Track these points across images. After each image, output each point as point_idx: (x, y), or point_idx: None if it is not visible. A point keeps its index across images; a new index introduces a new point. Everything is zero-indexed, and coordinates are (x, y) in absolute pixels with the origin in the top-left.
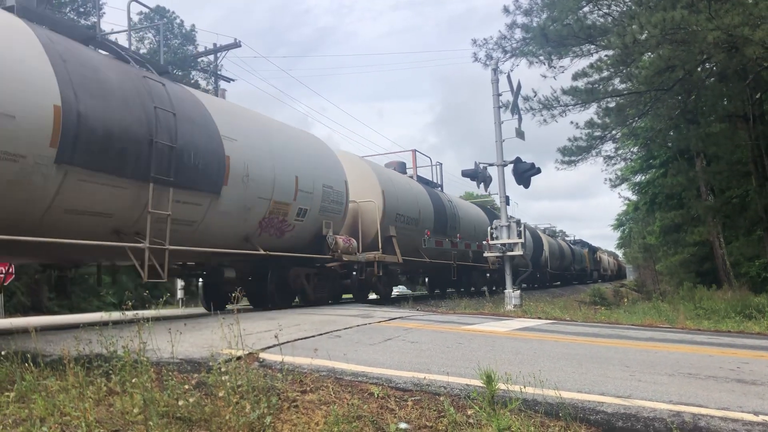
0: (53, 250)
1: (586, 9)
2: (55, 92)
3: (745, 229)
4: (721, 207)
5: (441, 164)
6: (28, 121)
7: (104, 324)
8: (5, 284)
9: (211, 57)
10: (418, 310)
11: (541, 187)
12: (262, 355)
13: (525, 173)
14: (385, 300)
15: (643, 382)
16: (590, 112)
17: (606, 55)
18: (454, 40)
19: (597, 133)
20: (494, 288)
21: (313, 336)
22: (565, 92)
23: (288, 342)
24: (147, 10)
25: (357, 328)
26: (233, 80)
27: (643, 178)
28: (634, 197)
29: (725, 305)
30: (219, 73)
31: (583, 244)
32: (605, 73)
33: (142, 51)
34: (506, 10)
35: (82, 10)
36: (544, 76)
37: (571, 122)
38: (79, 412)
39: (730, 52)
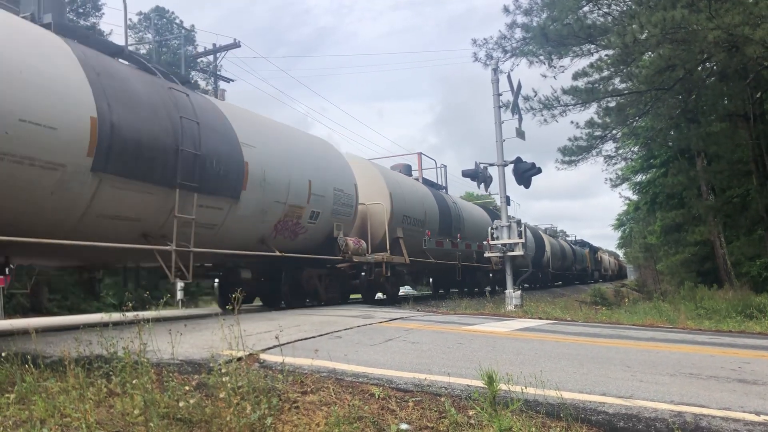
0: (87, 252)
1: (586, 8)
2: (91, 104)
3: (746, 229)
4: (721, 206)
5: (445, 166)
6: (68, 132)
7: (104, 325)
8: (4, 286)
9: (211, 57)
10: (418, 310)
11: (542, 187)
12: (263, 356)
13: (525, 173)
14: (393, 299)
15: (645, 383)
16: (590, 112)
17: (606, 55)
18: (454, 40)
19: (597, 133)
20: (497, 288)
21: (313, 337)
22: (565, 92)
23: (288, 343)
24: (147, 11)
25: (357, 329)
26: (233, 80)
27: (644, 177)
28: (634, 197)
29: (726, 305)
30: (218, 73)
31: (583, 244)
32: (605, 73)
33: (141, 52)
34: (506, 9)
35: (81, 11)
36: (545, 76)
37: (572, 122)
38: (80, 414)
39: (730, 52)
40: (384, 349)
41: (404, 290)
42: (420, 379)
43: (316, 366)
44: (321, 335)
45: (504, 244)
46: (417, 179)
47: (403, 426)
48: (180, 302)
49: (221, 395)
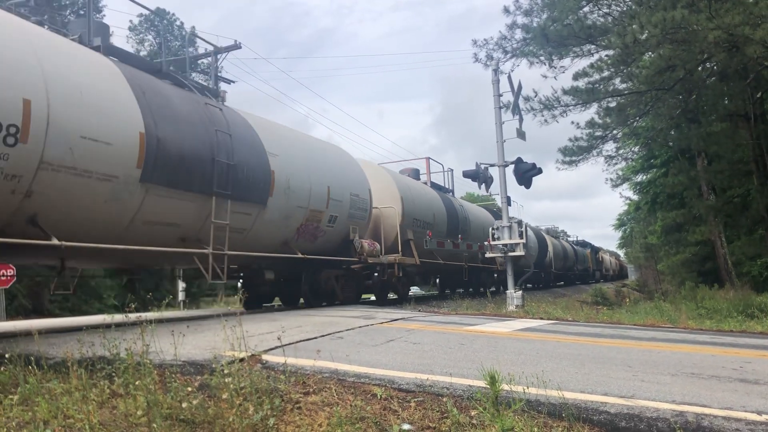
0: (132, 256)
1: (586, 9)
2: (139, 121)
3: (747, 229)
4: (722, 206)
5: (452, 170)
6: (121, 147)
7: (107, 326)
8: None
9: (211, 58)
10: (420, 311)
11: (542, 187)
12: (265, 357)
13: (526, 174)
14: (403, 299)
15: (646, 382)
16: (591, 112)
17: (606, 55)
18: (454, 41)
19: (598, 133)
20: (502, 288)
21: (315, 337)
22: (565, 92)
23: (291, 344)
24: (147, 12)
25: (359, 330)
26: (234, 82)
27: (644, 177)
28: (635, 197)
29: (727, 305)
30: (219, 74)
31: (585, 244)
32: (606, 73)
33: (142, 53)
34: (506, 10)
35: (82, 12)
36: (545, 77)
37: (572, 122)
38: (83, 415)
39: (730, 52)
40: (386, 349)
41: (413, 290)
42: (422, 379)
43: (318, 367)
44: (323, 336)
45: (505, 245)
46: (425, 183)
47: (406, 426)
48: (182, 303)
49: (224, 396)
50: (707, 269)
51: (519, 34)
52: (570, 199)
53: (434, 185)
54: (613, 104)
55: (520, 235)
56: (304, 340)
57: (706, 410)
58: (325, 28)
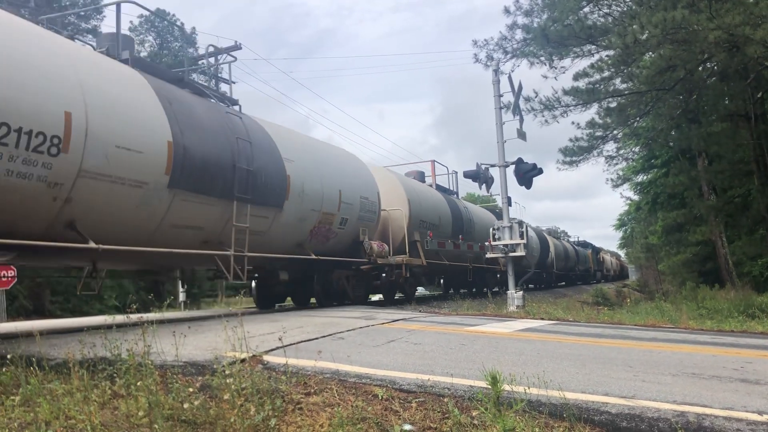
0: (158, 257)
1: (586, 9)
2: (167, 130)
3: (748, 229)
4: (723, 206)
5: (456, 173)
6: (151, 155)
7: (108, 327)
8: (8, 288)
9: (212, 59)
10: (420, 311)
11: (543, 187)
12: (266, 358)
13: (527, 174)
14: (410, 298)
15: (647, 383)
16: (591, 113)
17: (607, 55)
18: (454, 41)
19: (598, 133)
20: (504, 288)
21: (316, 338)
22: (566, 93)
23: (292, 344)
24: (147, 13)
25: (360, 330)
26: (234, 82)
27: (645, 177)
28: (635, 197)
29: (728, 305)
30: (220, 75)
31: (586, 245)
32: (606, 73)
33: (142, 54)
34: (507, 10)
35: (82, 13)
36: (545, 77)
37: (573, 122)
38: (84, 416)
39: (731, 52)
40: (387, 350)
41: (419, 291)
42: (423, 380)
43: (320, 367)
44: (324, 336)
45: (506, 245)
46: (430, 185)
47: (407, 427)
48: (182, 304)
49: (225, 397)
50: (708, 269)
51: (519, 34)
52: (570, 200)
53: (439, 187)
54: (613, 104)
55: (521, 236)
56: (305, 341)
57: (707, 410)
58: (326, 29)
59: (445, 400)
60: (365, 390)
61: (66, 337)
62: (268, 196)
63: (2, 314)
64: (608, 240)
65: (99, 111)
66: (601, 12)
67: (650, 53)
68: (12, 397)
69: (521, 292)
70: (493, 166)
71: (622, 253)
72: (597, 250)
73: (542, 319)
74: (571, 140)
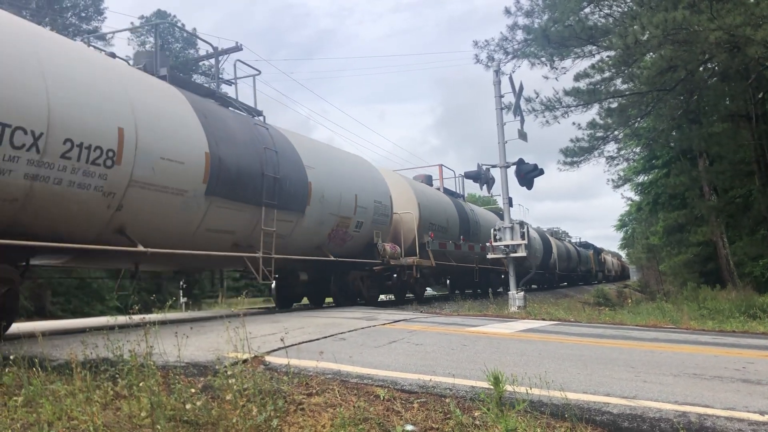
0: (195, 259)
1: (587, 10)
2: (204, 143)
3: (749, 229)
4: (724, 207)
5: (463, 177)
6: (191, 165)
7: (110, 328)
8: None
9: (212, 60)
10: (422, 312)
11: (544, 188)
12: (268, 358)
13: (528, 175)
14: (420, 298)
15: (649, 383)
16: (592, 113)
17: (608, 56)
18: (454, 41)
19: (599, 134)
20: (509, 289)
21: (317, 339)
22: (567, 93)
23: (293, 345)
24: (148, 15)
25: (361, 331)
26: (234, 83)
27: (646, 178)
28: (636, 197)
29: (729, 305)
30: (220, 77)
31: (587, 246)
32: (607, 74)
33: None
34: (507, 11)
35: (83, 15)
36: (546, 78)
37: (574, 123)
38: (87, 416)
39: (731, 52)
40: (388, 350)
41: (426, 291)
42: (424, 380)
43: (321, 368)
44: (325, 337)
45: (507, 246)
46: (438, 189)
47: (409, 427)
48: (183, 305)
49: (227, 397)
50: (709, 270)
51: (520, 35)
52: (571, 200)
53: (446, 191)
54: (614, 105)
55: (522, 236)
56: (306, 342)
57: (709, 411)
58: (326, 30)
59: (447, 400)
60: (367, 390)
61: (68, 338)
62: (292, 201)
63: None
64: (609, 240)
65: (146, 126)
66: (601, 13)
67: (651, 54)
68: (15, 398)
69: (522, 293)
70: (494, 166)
71: (623, 253)
72: (598, 251)
73: (543, 319)
74: (572, 141)
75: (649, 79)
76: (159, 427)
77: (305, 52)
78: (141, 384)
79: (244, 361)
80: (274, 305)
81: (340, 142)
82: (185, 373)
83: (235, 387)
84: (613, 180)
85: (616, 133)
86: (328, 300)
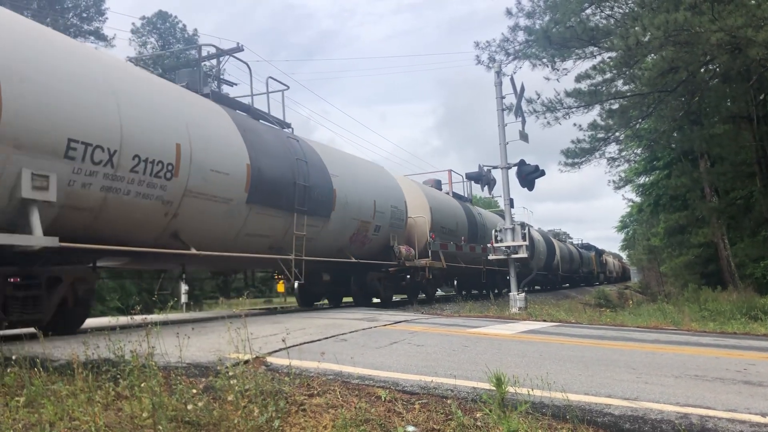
0: (235, 261)
1: (588, 11)
2: (245, 155)
3: (750, 230)
4: (725, 208)
5: (471, 182)
6: (235, 176)
7: (112, 329)
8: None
9: (214, 61)
10: (422, 313)
11: (545, 189)
12: (269, 359)
13: (529, 176)
14: (431, 299)
15: (650, 384)
16: (593, 114)
17: (609, 57)
18: (455, 42)
19: (600, 135)
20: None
21: (319, 340)
22: (568, 94)
23: (295, 346)
24: (150, 15)
25: (363, 332)
26: (236, 84)
27: (647, 179)
28: (638, 199)
29: (730, 307)
30: (222, 77)
31: (589, 247)
32: (608, 75)
33: (144, 55)
34: (509, 12)
35: (85, 15)
36: (548, 79)
37: (575, 124)
38: (89, 417)
39: (733, 54)
40: (389, 351)
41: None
42: (426, 381)
43: (323, 369)
44: (326, 338)
45: (508, 247)
46: (447, 193)
47: (410, 428)
48: (184, 306)
49: (229, 398)
50: (710, 271)
51: (521, 36)
52: (572, 201)
53: (455, 195)
54: (615, 106)
55: (523, 237)
56: (308, 342)
57: (710, 412)
58: (327, 31)
59: (448, 401)
60: (368, 391)
61: (69, 339)
62: (320, 207)
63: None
64: (610, 242)
65: (199, 141)
66: (603, 14)
67: (652, 55)
68: (16, 398)
69: (523, 294)
70: (495, 167)
71: (624, 254)
72: (600, 253)
73: (545, 321)
74: (573, 142)
75: (650, 80)
76: (160, 427)
77: (306, 53)
78: (142, 384)
79: (246, 361)
80: (274, 306)
81: (340, 143)
82: (187, 374)
83: (236, 388)
84: (614, 181)
85: (617, 134)
86: (345, 300)
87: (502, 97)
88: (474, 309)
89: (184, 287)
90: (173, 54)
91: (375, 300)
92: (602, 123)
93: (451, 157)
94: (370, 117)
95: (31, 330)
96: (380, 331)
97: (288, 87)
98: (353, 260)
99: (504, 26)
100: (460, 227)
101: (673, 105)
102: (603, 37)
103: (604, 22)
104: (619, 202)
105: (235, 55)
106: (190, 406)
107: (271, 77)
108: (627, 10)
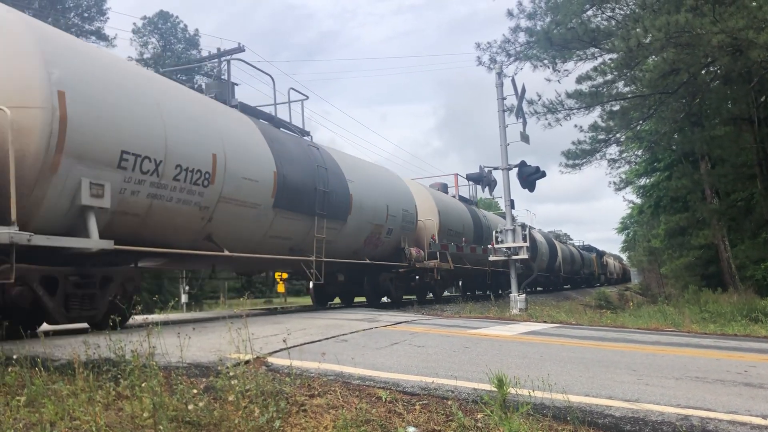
0: (261, 262)
1: (589, 12)
2: (272, 163)
3: (751, 232)
4: (726, 210)
5: (476, 186)
6: (263, 182)
7: (112, 328)
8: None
9: (215, 61)
10: (423, 314)
11: (546, 190)
12: (270, 360)
13: (530, 177)
14: (439, 299)
15: (651, 386)
16: (594, 116)
17: (610, 59)
18: (456, 43)
19: (601, 137)
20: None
21: (319, 340)
22: (569, 96)
23: (295, 346)
24: (151, 15)
25: (363, 332)
26: (237, 84)
27: (648, 181)
28: (638, 200)
29: (731, 308)
30: (223, 78)
31: (590, 249)
32: (609, 77)
33: (145, 56)
34: (510, 13)
35: (86, 15)
36: (549, 80)
37: (576, 126)
38: (89, 416)
39: (734, 55)
40: (390, 352)
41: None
42: (426, 382)
43: (323, 369)
44: (327, 338)
45: (508, 248)
46: (454, 196)
47: (411, 429)
48: (185, 306)
49: (230, 398)
50: (711, 273)
51: (522, 37)
52: (573, 203)
53: (461, 198)
54: (616, 108)
55: (524, 239)
56: (308, 343)
57: (711, 414)
58: (328, 31)
59: (449, 402)
60: (369, 392)
61: (70, 338)
62: (338, 211)
63: None
64: (610, 243)
65: (232, 151)
66: (604, 15)
67: (653, 57)
68: (17, 398)
69: (524, 295)
70: (496, 168)
71: (624, 256)
72: (601, 254)
73: (545, 322)
74: (573, 143)
75: (651, 81)
76: (161, 427)
77: (307, 54)
78: (143, 384)
79: (247, 362)
80: (274, 307)
81: (341, 144)
82: (187, 374)
83: (237, 388)
84: (614, 183)
85: (618, 135)
86: (357, 299)
87: (503, 99)
88: (475, 310)
89: (184, 288)
90: (174, 54)
91: (385, 300)
92: (603, 124)
93: (451, 158)
94: (371, 118)
95: (84, 325)
96: (381, 331)
97: (307, 97)
98: (367, 261)
99: (505, 27)
100: (466, 229)
101: (674, 107)
102: (604, 38)
103: (606, 23)
104: (620, 204)
105: (262, 69)
106: (190, 406)
107: (292, 89)
108: (628, 12)
